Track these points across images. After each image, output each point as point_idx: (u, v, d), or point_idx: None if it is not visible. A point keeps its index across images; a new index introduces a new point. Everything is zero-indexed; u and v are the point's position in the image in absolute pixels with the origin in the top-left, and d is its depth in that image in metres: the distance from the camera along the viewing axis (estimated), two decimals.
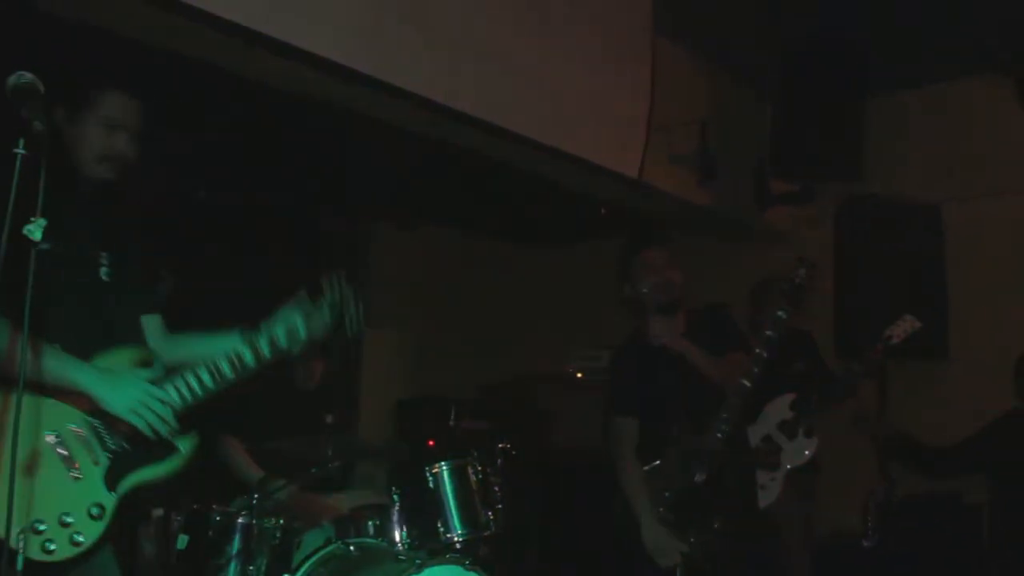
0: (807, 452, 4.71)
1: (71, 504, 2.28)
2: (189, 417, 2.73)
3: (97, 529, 2.31)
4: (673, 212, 5.47)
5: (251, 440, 4.30)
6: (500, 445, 5.00)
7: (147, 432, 2.43)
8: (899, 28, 5.40)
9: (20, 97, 1.87)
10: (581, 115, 4.50)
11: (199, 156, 5.08)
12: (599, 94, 4.57)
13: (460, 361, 6.81)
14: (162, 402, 2.46)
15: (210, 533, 3.72)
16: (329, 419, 4.67)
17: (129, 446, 2.42)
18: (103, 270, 2.51)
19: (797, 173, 5.78)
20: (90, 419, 2.37)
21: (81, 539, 2.26)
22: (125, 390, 2.40)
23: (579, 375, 6.54)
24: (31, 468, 2.23)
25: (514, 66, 4.25)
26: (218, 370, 2.57)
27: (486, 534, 4.00)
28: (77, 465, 2.32)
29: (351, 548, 3.85)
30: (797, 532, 4.67)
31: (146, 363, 2.51)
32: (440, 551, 3.83)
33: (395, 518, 4.06)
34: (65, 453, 2.31)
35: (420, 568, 3.51)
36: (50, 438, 2.30)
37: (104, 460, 2.38)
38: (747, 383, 3.51)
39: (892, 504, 5.18)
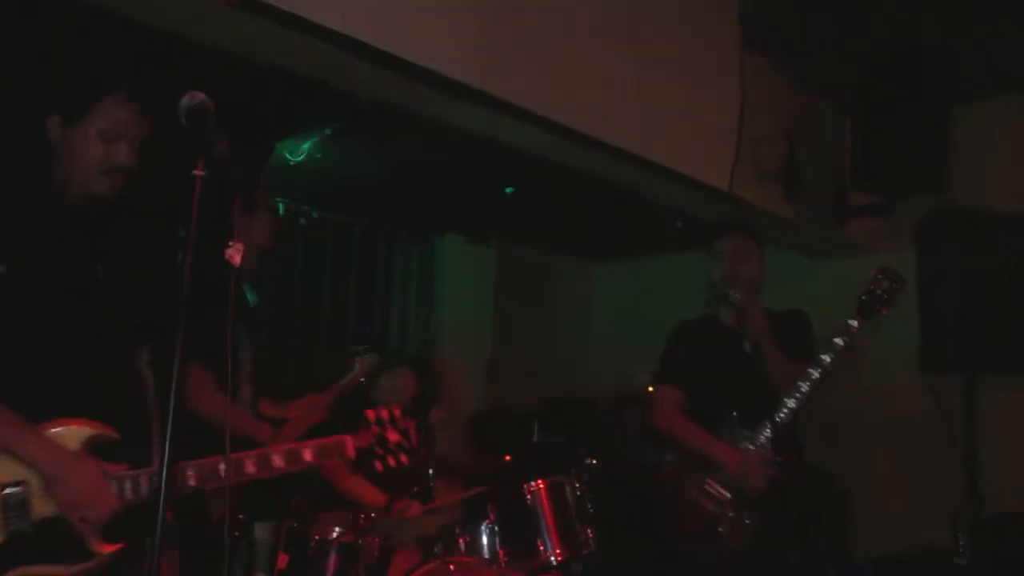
0: None
1: None
2: None
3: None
4: (757, 225, 5.39)
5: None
6: (587, 461, 4.97)
7: (70, 529, 2.08)
8: (984, 36, 5.31)
9: (195, 118, 1.85)
10: (674, 128, 4.46)
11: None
12: (691, 107, 4.54)
13: (532, 376, 6.77)
14: (116, 504, 2.11)
15: (309, 553, 3.70)
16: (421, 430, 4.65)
17: (34, 532, 2.07)
18: (99, 286, 2.24)
19: (878, 186, 5.69)
20: (5, 489, 2.05)
21: None
22: (78, 480, 2.08)
23: (650, 388, 6.47)
24: None
25: (609, 79, 4.21)
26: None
27: (585, 552, 3.96)
28: None
29: (450, 566, 3.82)
30: None
31: (100, 443, 2.14)
32: (538, 569, 3.80)
33: (485, 535, 4.03)
34: None
35: None
36: None
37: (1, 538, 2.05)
38: (804, 388, 3.49)
39: (982, 520, 5.06)
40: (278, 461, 2.23)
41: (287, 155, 4.37)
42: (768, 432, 3.54)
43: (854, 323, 3.54)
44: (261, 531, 3.82)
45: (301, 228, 5.52)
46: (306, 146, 4.33)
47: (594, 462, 4.88)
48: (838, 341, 3.53)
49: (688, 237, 5.74)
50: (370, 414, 2.51)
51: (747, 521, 3.55)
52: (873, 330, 5.04)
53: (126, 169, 2.24)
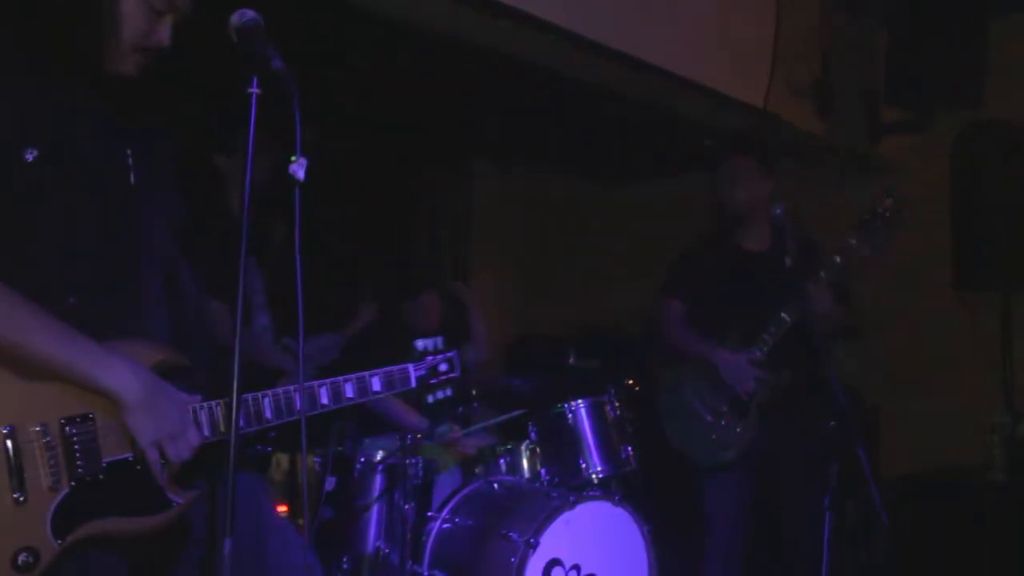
0: None
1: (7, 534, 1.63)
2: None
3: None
4: (789, 142, 5.33)
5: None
6: (627, 382, 5.00)
7: (146, 473, 1.81)
8: None
9: (247, 36, 1.82)
10: (708, 43, 4.39)
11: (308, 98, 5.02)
12: (725, 22, 4.45)
13: (564, 302, 6.79)
14: (197, 440, 1.87)
15: (355, 475, 3.76)
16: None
17: (106, 478, 1.75)
18: (131, 174, 1.92)
19: (913, 101, 5.60)
20: (67, 425, 1.70)
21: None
22: (161, 409, 1.80)
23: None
24: None
25: None
26: (288, 405, 2.04)
27: (627, 470, 4.02)
28: (23, 485, 1.65)
29: (495, 485, 3.88)
30: None
31: (167, 368, 1.87)
32: (580, 488, 3.85)
33: (525, 456, 4.09)
34: (12, 461, 1.64)
35: (573, 505, 3.53)
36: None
37: (65, 488, 1.69)
38: (798, 304, 3.61)
39: (1017, 436, 5.08)
40: (350, 391, 2.17)
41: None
42: (767, 344, 3.72)
43: (852, 240, 3.59)
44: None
45: (327, 159, 5.50)
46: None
47: (631, 383, 4.94)
48: (836, 259, 3.63)
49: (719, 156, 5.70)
50: (419, 344, 2.59)
51: (737, 430, 3.77)
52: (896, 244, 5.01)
53: (163, 49, 1.91)
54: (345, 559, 3.72)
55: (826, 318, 3.64)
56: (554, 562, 3.47)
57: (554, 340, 6.29)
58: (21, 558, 1.62)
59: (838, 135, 5.40)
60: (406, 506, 3.57)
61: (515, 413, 4.20)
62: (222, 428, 1.89)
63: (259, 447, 3.11)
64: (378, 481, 3.81)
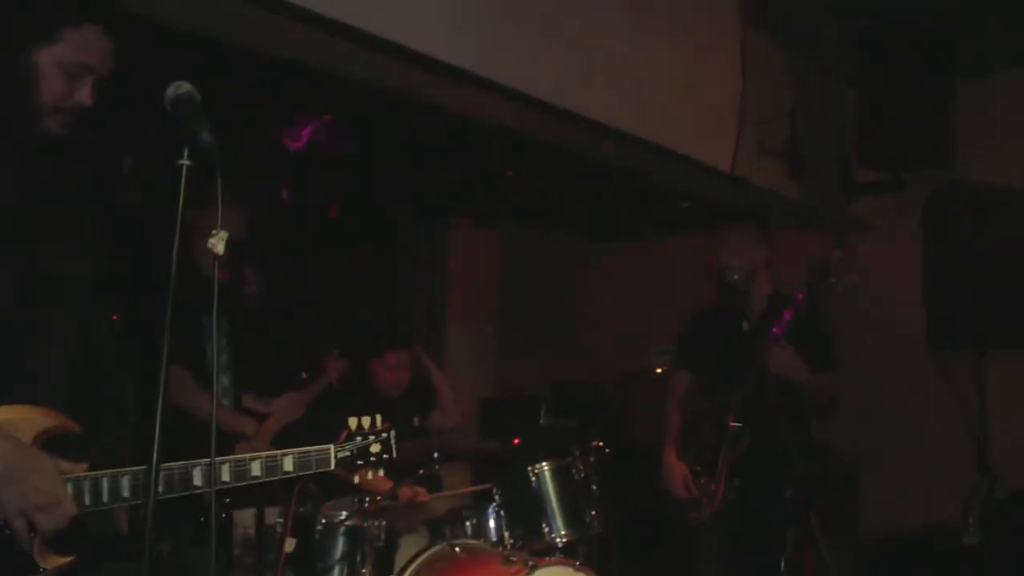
0: None
1: None
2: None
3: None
4: (761, 205, 5.37)
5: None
6: (594, 443, 4.98)
7: (13, 538, 1.81)
8: (989, 9, 5.26)
9: (181, 108, 1.85)
10: (673, 107, 4.44)
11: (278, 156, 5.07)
12: (690, 85, 4.51)
13: (538, 359, 6.79)
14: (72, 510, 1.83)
15: (316, 537, 3.73)
16: (416, 422, 4.68)
17: None
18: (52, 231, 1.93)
19: (884, 162, 5.65)
20: None
21: None
22: (31, 481, 1.78)
23: (659, 371, 6.48)
24: None
25: (604, 57, 4.19)
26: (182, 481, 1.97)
27: (591, 534, 3.98)
28: None
29: (456, 549, 3.85)
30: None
31: (57, 436, 1.86)
32: (544, 551, 3.81)
33: (492, 518, 4.06)
34: None
35: (532, 569, 3.48)
36: None
37: None
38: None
39: (993, 500, 5.05)
40: (256, 470, 2.07)
41: (287, 141, 4.40)
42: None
43: (799, 295, 3.64)
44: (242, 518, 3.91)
45: (302, 214, 5.55)
46: (305, 133, 4.35)
47: (600, 444, 4.91)
48: (785, 315, 3.65)
49: (694, 218, 5.75)
50: (351, 422, 2.42)
51: (712, 487, 3.81)
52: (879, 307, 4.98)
53: (83, 108, 1.96)
54: None
55: (785, 377, 3.66)
56: None
57: (527, 399, 6.28)
58: None
59: (811, 196, 5.45)
60: (363, 570, 3.54)
61: (481, 487, 4.18)
62: (105, 499, 1.87)
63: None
64: (340, 543, 3.78)
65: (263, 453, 2.10)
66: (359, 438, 2.33)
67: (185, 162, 1.78)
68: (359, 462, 2.31)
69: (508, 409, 6.39)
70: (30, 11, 1.93)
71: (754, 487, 3.74)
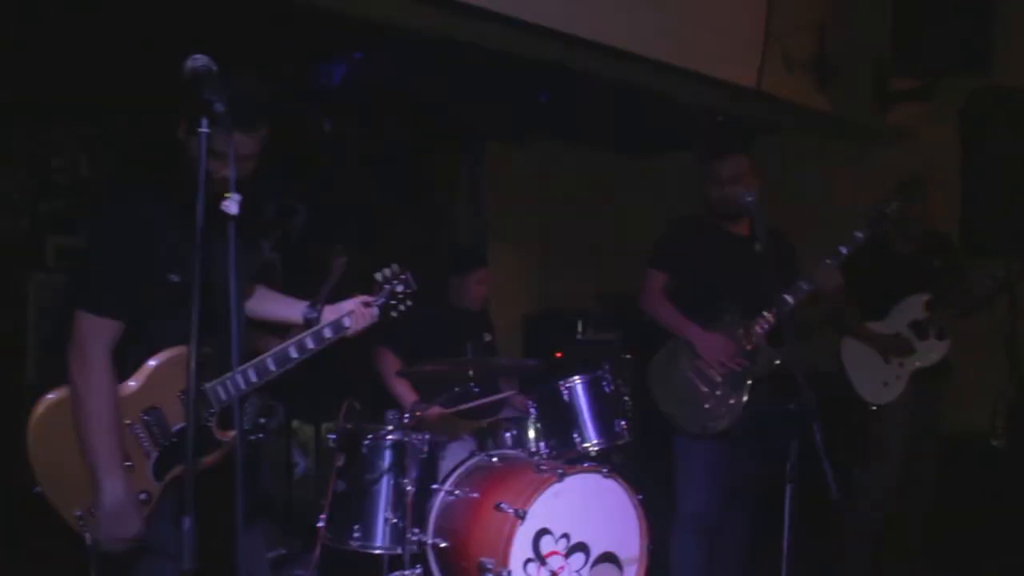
0: (935, 354, 4.67)
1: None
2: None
3: (143, 512, 2.52)
4: (791, 118, 5.41)
5: (408, 357, 4.54)
6: (626, 356, 5.17)
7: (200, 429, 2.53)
8: None
9: (197, 79, 2.05)
10: (698, 27, 4.47)
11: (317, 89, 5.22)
12: (714, 3, 4.52)
13: (581, 273, 6.95)
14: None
15: (363, 451, 3.98)
16: (487, 338, 4.91)
17: (178, 440, 2.57)
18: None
19: (921, 68, 5.62)
20: (143, 416, 2.55)
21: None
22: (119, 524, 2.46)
23: None
24: None
25: None
26: (286, 359, 2.72)
27: (620, 443, 4.20)
28: (130, 456, 2.51)
29: (494, 459, 4.11)
30: (921, 431, 4.70)
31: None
32: (577, 460, 4.05)
33: (530, 429, 4.31)
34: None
35: (562, 477, 3.73)
36: None
37: (155, 453, 2.56)
38: (805, 287, 3.78)
39: (1021, 404, 5.13)
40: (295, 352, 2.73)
41: (323, 80, 4.57)
42: (764, 325, 3.87)
43: (859, 235, 3.74)
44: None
45: (343, 142, 5.73)
46: (340, 71, 4.50)
47: (633, 356, 5.10)
48: (842, 249, 3.76)
49: (729, 133, 5.79)
50: (378, 276, 3.02)
51: (731, 401, 3.90)
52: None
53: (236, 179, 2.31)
54: (356, 528, 3.96)
55: (836, 295, 3.81)
56: (543, 531, 3.68)
57: (569, 314, 6.46)
58: (141, 497, 2.52)
59: (842, 108, 5.45)
60: (404, 479, 3.82)
61: (501, 395, 4.40)
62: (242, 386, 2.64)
63: (252, 437, 3.37)
64: (387, 456, 4.03)
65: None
66: (387, 287, 2.95)
67: (204, 130, 1.99)
68: (393, 302, 2.97)
69: (550, 325, 6.60)
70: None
71: (759, 399, 3.91)
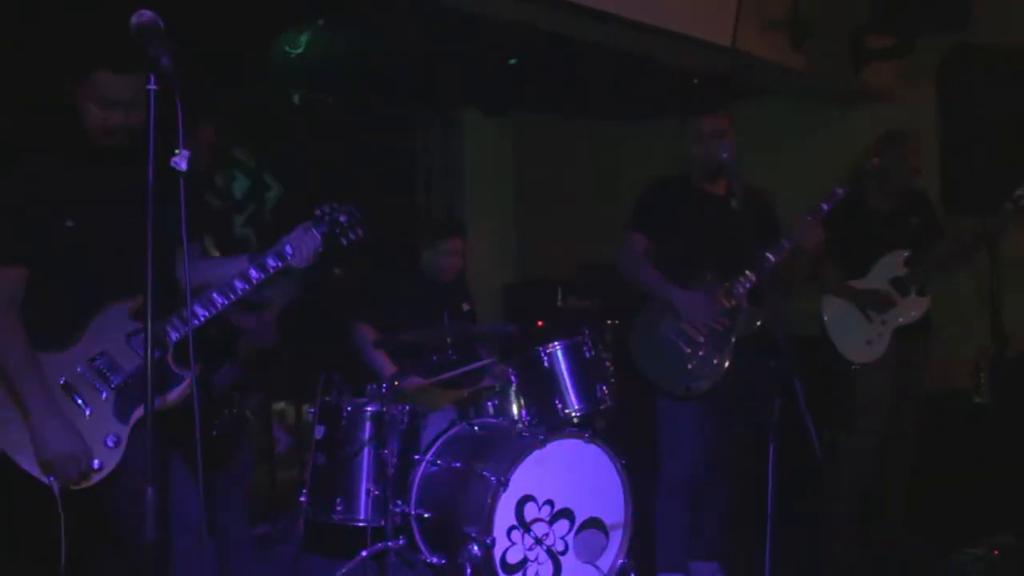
0: (915, 312, 4.66)
1: (89, 437, 2.53)
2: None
3: (116, 456, 2.56)
4: (766, 77, 5.36)
5: (385, 329, 4.49)
6: (608, 321, 5.12)
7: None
8: None
9: (144, 35, 1.98)
10: None
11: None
12: None
13: (560, 241, 6.91)
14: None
15: (343, 422, 3.94)
16: (466, 307, 4.85)
17: (132, 380, 2.58)
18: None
19: (897, 26, 5.57)
20: (93, 362, 2.58)
21: (100, 465, 2.53)
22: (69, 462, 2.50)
23: None
24: None
25: None
26: (231, 289, 2.71)
27: (602, 408, 4.16)
28: (88, 402, 2.55)
29: (475, 428, 4.08)
30: (904, 389, 4.69)
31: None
32: (559, 426, 4.02)
33: (512, 397, 4.27)
34: (73, 396, 2.55)
35: (543, 443, 3.70)
36: (60, 381, 2.55)
37: (111, 395, 2.58)
38: (786, 246, 3.78)
39: (1004, 360, 5.13)
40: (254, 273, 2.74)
41: (287, 48, 4.48)
42: (746, 284, 3.84)
43: (840, 191, 3.69)
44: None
45: (316, 115, 5.65)
46: (303, 38, 4.41)
47: (615, 322, 5.06)
48: (823, 205, 3.72)
49: (708, 94, 5.74)
50: (316, 210, 2.97)
51: (714, 361, 3.87)
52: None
53: (127, 128, 2.47)
54: (338, 501, 3.92)
55: (817, 252, 3.81)
56: (526, 498, 3.66)
57: (549, 283, 6.43)
58: (111, 440, 2.55)
59: (817, 67, 5.40)
60: (385, 450, 3.78)
61: (481, 363, 4.36)
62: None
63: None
64: (367, 428, 3.99)
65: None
66: (327, 217, 2.90)
67: (152, 87, 1.92)
68: (337, 232, 2.92)
69: (530, 294, 6.57)
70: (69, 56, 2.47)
71: (740, 359, 3.89)
